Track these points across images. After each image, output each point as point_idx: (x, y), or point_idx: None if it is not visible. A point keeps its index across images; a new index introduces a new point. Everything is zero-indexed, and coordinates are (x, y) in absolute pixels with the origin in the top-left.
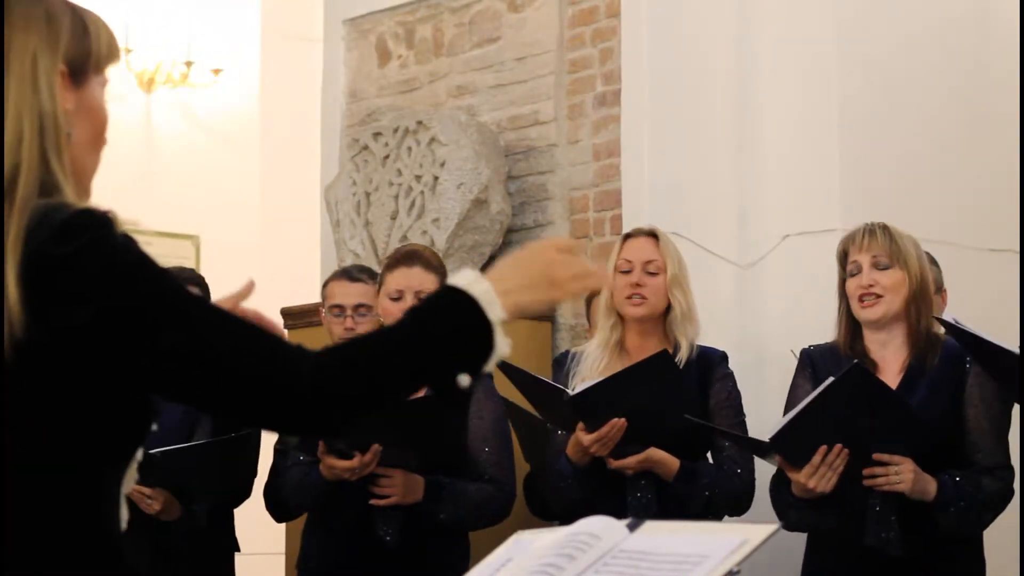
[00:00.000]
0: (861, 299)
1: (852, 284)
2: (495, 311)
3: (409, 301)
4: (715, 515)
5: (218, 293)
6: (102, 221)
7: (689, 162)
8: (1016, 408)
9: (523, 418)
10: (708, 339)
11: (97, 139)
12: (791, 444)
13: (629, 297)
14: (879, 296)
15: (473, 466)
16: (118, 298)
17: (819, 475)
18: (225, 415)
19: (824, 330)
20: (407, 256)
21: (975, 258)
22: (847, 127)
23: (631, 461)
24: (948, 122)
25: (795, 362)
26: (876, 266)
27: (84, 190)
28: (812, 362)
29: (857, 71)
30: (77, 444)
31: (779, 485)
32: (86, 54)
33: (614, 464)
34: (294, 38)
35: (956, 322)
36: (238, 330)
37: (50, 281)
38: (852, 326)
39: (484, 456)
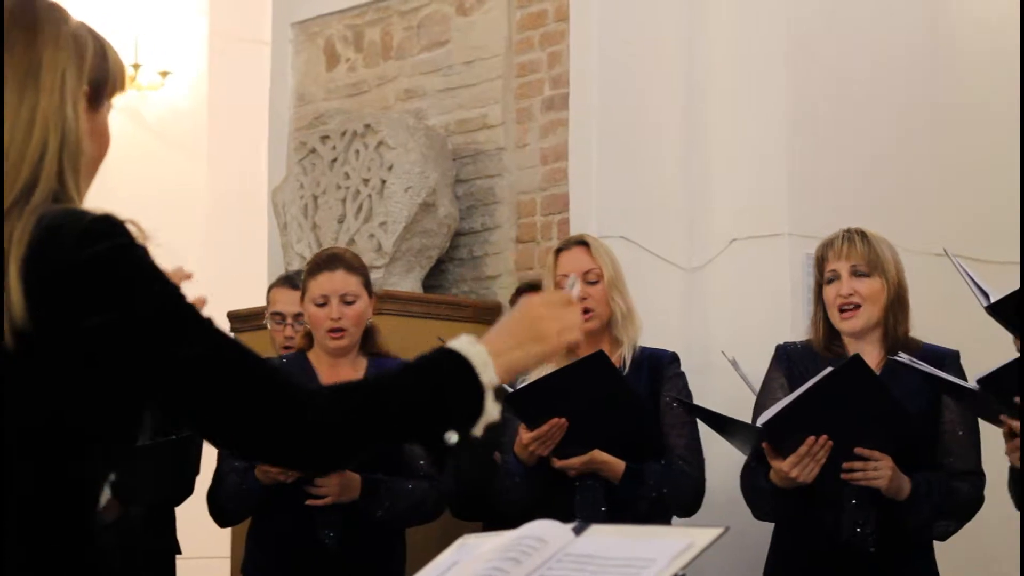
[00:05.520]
0: (840, 309)
1: (830, 292)
2: (488, 374)
3: (334, 305)
4: (663, 516)
5: None
6: (122, 229)
7: (637, 166)
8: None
9: None
10: (655, 342)
11: (98, 162)
12: (781, 431)
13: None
14: (858, 306)
15: (407, 464)
16: (139, 307)
17: (802, 465)
18: (218, 438)
19: (771, 333)
20: (328, 260)
21: (921, 262)
22: (795, 131)
23: (575, 462)
24: (897, 126)
25: (736, 366)
26: (854, 274)
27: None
28: (788, 357)
29: (806, 75)
30: (68, 444)
31: (752, 473)
32: (104, 78)
33: (558, 464)
34: (242, 41)
35: (912, 360)
36: (247, 355)
37: (68, 282)
38: (829, 329)
39: (418, 453)
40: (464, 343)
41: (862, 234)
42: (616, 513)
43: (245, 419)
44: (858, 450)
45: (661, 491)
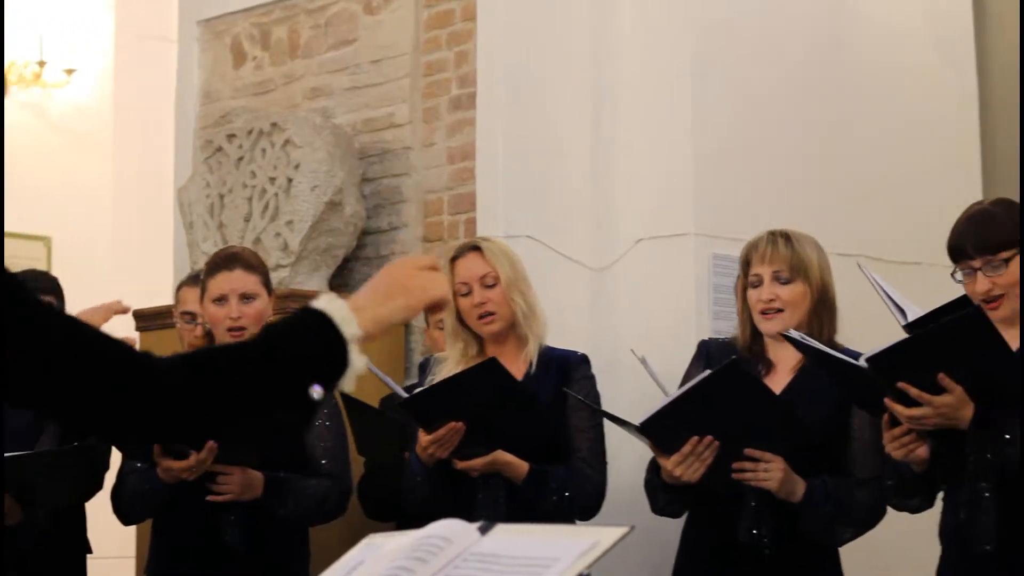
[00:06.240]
0: (762, 312)
1: (753, 296)
2: (351, 328)
3: (233, 304)
4: (566, 518)
5: (71, 294)
6: None
7: (543, 166)
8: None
9: (361, 413)
10: (563, 342)
11: None
12: (662, 431)
13: (480, 317)
14: (780, 310)
15: (310, 462)
16: None
17: (686, 464)
18: (71, 421)
19: (677, 333)
20: (227, 259)
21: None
22: (700, 131)
23: (476, 463)
24: (803, 126)
25: (645, 364)
26: (777, 280)
27: None
28: (708, 353)
29: (711, 76)
30: None
31: (651, 469)
32: None
33: (460, 465)
34: (148, 38)
35: (802, 338)
36: (89, 335)
37: None
38: (754, 329)
39: (320, 452)
40: (324, 300)
41: (787, 237)
42: (519, 514)
43: (92, 395)
44: (748, 451)
45: (563, 493)
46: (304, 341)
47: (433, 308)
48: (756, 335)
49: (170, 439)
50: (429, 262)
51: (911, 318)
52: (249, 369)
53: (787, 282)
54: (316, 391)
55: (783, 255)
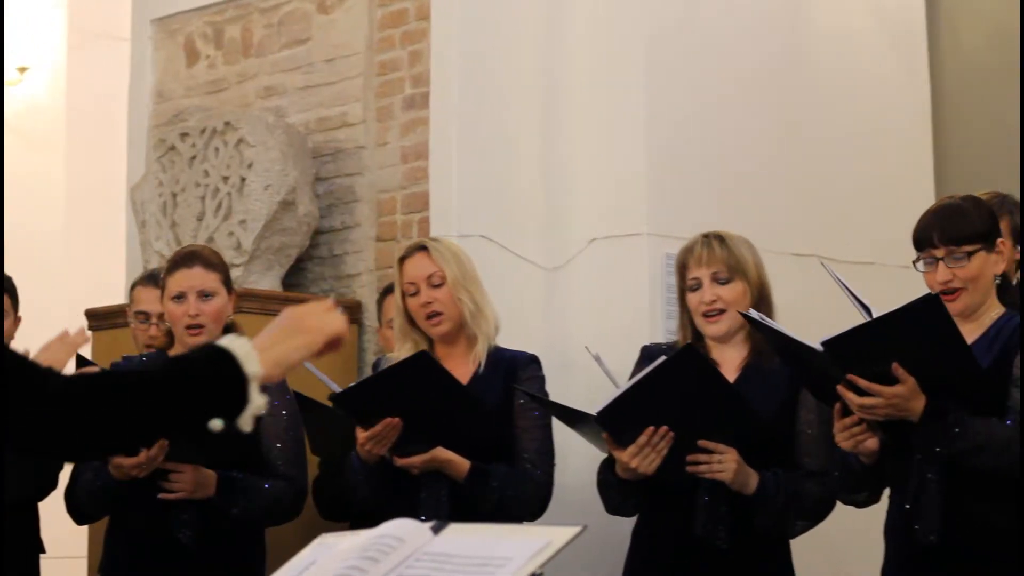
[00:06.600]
0: (705, 315)
1: (694, 299)
2: (252, 366)
3: (192, 301)
4: (509, 518)
5: (24, 293)
6: None
7: (497, 165)
8: None
9: (313, 412)
10: (515, 342)
11: None
12: (618, 422)
13: (428, 317)
14: (722, 311)
15: (266, 463)
16: None
17: (642, 456)
18: None
19: (630, 332)
20: (186, 257)
21: (779, 262)
22: (653, 132)
23: (416, 460)
24: (757, 127)
25: (600, 362)
26: (716, 281)
27: None
28: (651, 359)
29: (664, 76)
30: None
31: (604, 467)
32: None
33: (399, 463)
34: (101, 37)
35: (761, 317)
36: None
37: None
38: (695, 332)
39: (276, 453)
40: (228, 339)
41: (720, 239)
42: (462, 513)
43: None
44: (702, 442)
45: (505, 492)
46: (206, 376)
47: (331, 345)
48: (698, 338)
49: (52, 454)
50: (327, 305)
51: (876, 316)
52: (146, 394)
53: (726, 282)
54: (215, 423)
55: (719, 256)
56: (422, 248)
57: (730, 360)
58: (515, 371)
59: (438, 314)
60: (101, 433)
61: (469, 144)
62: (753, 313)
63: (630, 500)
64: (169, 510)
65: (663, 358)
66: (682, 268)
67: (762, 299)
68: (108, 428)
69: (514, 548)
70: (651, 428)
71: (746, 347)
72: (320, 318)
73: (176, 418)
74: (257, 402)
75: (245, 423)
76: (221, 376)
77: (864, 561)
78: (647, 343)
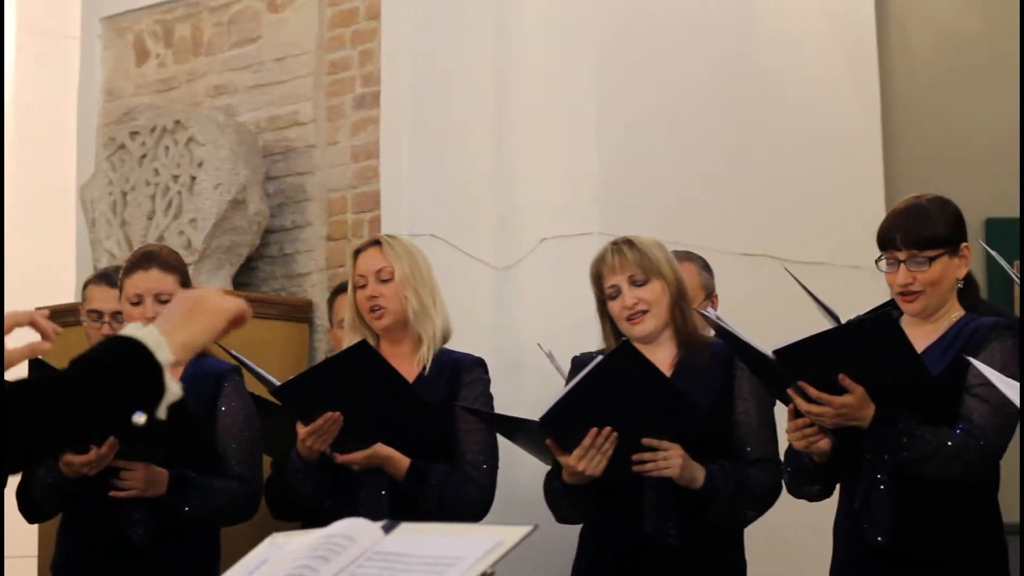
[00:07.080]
0: (629, 318)
1: (615, 306)
2: (163, 352)
3: (149, 304)
4: (450, 518)
5: None
6: None
7: (448, 165)
8: None
9: (267, 413)
10: (466, 341)
11: None
12: (561, 426)
13: (371, 311)
14: (645, 312)
15: (221, 463)
16: None
17: (588, 458)
18: None
19: (581, 333)
20: (143, 258)
21: (729, 262)
22: (604, 132)
23: (356, 456)
24: (708, 126)
25: (548, 361)
26: (634, 284)
27: None
28: (583, 366)
29: (615, 75)
30: None
31: (550, 477)
32: None
33: (339, 459)
34: (50, 35)
35: (718, 318)
36: None
37: None
38: (618, 338)
39: (231, 452)
40: (133, 328)
41: (630, 243)
42: (402, 512)
43: None
44: (646, 440)
45: (444, 493)
46: (122, 368)
47: (236, 322)
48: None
49: None
50: (217, 289)
51: (843, 322)
52: (66, 399)
53: (643, 283)
54: (138, 417)
55: (632, 259)
56: (377, 243)
57: (661, 359)
58: (459, 374)
59: (380, 308)
60: (26, 443)
61: (420, 143)
62: (710, 312)
63: (578, 508)
64: (121, 508)
65: (600, 357)
66: (597, 278)
67: (680, 295)
68: (32, 437)
69: (465, 547)
70: (595, 430)
71: (674, 344)
72: (218, 299)
73: (98, 415)
74: (173, 389)
75: (162, 412)
76: (137, 367)
77: (816, 556)
78: (577, 353)
